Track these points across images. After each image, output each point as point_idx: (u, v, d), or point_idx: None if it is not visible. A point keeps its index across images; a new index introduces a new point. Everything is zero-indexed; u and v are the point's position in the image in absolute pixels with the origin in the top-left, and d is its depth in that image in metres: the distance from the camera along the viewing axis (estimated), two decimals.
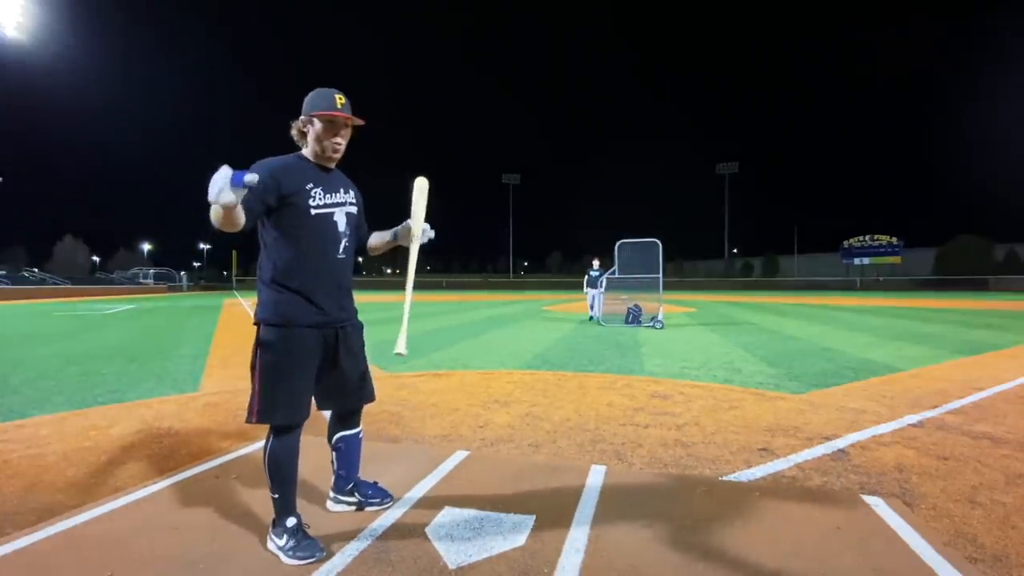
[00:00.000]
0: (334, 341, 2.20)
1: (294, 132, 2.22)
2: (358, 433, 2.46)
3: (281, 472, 2.11)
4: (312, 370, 2.15)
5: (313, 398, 2.23)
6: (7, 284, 40.64)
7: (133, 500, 2.60)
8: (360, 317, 2.41)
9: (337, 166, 2.31)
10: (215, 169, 1.65)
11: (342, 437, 2.42)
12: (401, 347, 2.21)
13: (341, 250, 2.21)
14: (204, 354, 7.93)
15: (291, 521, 2.10)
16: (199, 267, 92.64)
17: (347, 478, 2.46)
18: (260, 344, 2.09)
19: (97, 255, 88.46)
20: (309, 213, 2.10)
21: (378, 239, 2.47)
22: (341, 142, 2.18)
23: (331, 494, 2.49)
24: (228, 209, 1.72)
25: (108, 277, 63.40)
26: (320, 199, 2.13)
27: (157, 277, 66.29)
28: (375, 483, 2.55)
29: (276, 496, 2.12)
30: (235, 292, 49.81)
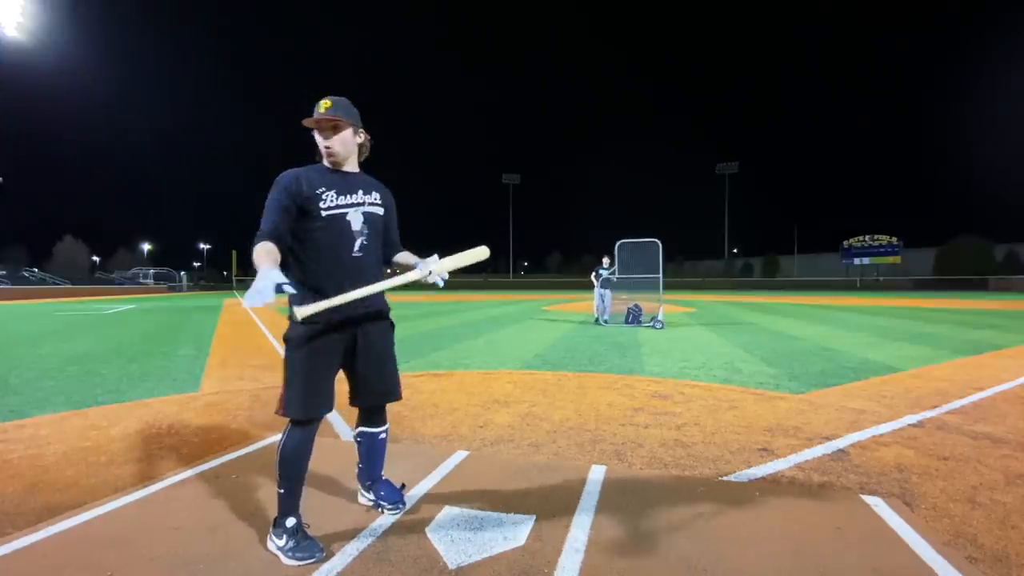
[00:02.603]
0: (354, 338, 2.25)
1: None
2: (379, 433, 2.48)
3: (291, 466, 2.13)
4: (331, 367, 2.22)
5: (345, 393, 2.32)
6: (7, 284, 40.65)
7: (133, 500, 2.60)
8: None
9: (366, 170, 2.42)
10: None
11: (362, 432, 2.49)
12: (299, 314, 2.01)
13: (357, 248, 2.22)
14: (204, 354, 7.93)
15: (291, 521, 2.12)
16: (199, 267, 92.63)
17: (367, 474, 2.51)
18: (285, 340, 2.20)
19: (97, 255, 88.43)
20: (321, 215, 2.16)
21: (404, 260, 2.46)
22: (328, 144, 2.23)
23: (359, 484, 2.58)
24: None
25: (108, 277, 63.40)
26: (332, 201, 2.19)
27: (157, 277, 66.29)
28: (393, 486, 2.52)
29: (281, 491, 2.14)
30: (235, 292, 49.80)
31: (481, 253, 2.34)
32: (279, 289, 1.84)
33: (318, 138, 2.25)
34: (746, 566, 2.01)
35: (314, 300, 2.07)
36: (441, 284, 2.26)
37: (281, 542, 2.08)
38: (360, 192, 2.28)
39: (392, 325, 2.46)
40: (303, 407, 2.13)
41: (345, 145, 2.26)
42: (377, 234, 2.33)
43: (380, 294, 2.33)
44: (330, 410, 2.21)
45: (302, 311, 2.00)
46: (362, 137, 2.34)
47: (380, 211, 2.34)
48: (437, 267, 2.22)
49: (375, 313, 2.33)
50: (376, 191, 2.35)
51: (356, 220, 2.24)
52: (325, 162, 2.29)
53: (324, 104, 2.20)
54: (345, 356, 2.26)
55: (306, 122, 2.22)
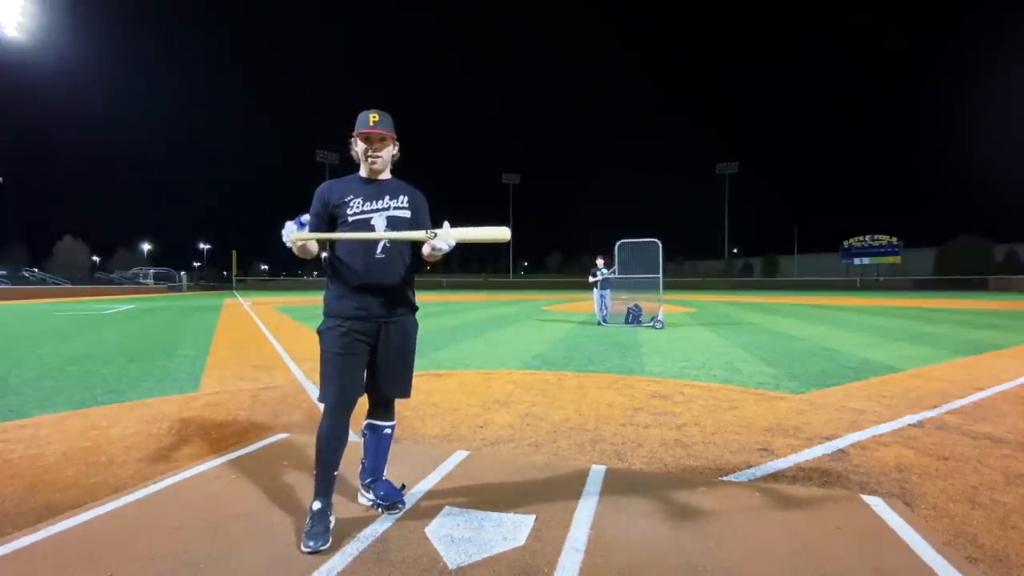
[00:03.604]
0: (375, 334, 2.36)
1: (352, 154, 2.46)
2: (385, 427, 2.55)
3: (320, 451, 2.28)
4: (357, 360, 2.34)
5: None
6: (7, 284, 40.64)
7: (133, 500, 2.60)
8: None
9: (397, 176, 2.54)
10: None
11: (369, 424, 2.55)
12: (298, 232, 2.17)
13: (379, 251, 2.34)
14: (204, 354, 7.93)
15: (316, 504, 2.23)
16: (199, 267, 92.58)
17: (370, 471, 2.54)
18: (317, 333, 2.38)
19: (97, 255, 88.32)
20: (348, 221, 2.34)
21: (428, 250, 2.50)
22: (376, 155, 2.39)
23: (359, 483, 2.61)
24: (303, 247, 2.20)
25: (108, 277, 63.34)
26: (359, 207, 2.35)
27: (157, 277, 66.21)
28: (393, 486, 2.53)
29: (315, 473, 2.29)
30: (235, 292, 49.83)
31: (501, 233, 2.33)
32: (299, 223, 2.16)
33: (361, 147, 2.38)
34: (746, 566, 2.01)
35: (338, 296, 2.33)
36: (445, 248, 2.26)
37: (305, 522, 2.21)
38: (387, 198, 2.41)
39: (416, 324, 2.53)
40: (329, 396, 2.30)
41: (387, 156, 2.43)
42: None
43: (404, 295, 2.44)
44: (354, 399, 2.35)
45: (293, 236, 2.17)
46: (396, 148, 2.47)
47: (406, 215, 2.43)
48: (443, 232, 2.24)
49: (397, 312, 2.41)
50: (404, 195, 2.45)
51: (380, 224, 2.37)
52: (362, 171, 2.44)
53: (373, 117, 2.35)
54: (370, 349, 2.38)
55: (358, 133, 2.36)
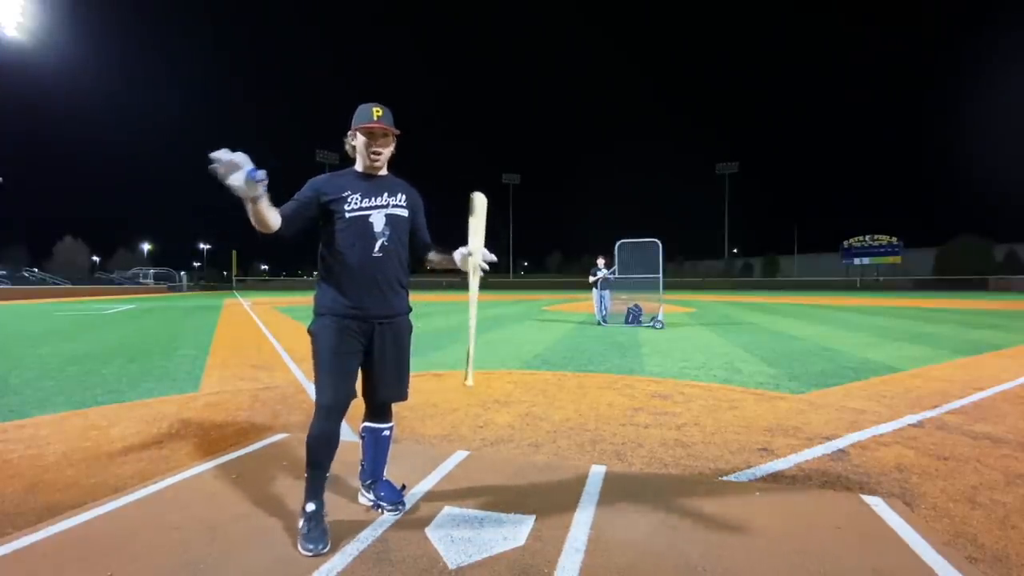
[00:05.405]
0: (370, 334, 2.31)
1: (347, 148, 2.41)
2: (384, 430, 2.53)
3: (312, 452, 2.22)
4: (349, 359, 2.27)
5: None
6: (7, 284, 40.64)
7: (133, 500, 2.60)
8: None
9: (395, 172, 2.50)
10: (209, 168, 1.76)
11: (367, 428, 2.53)
12: (470, 379, 2.24)
13: (377, 248, 2.30)
14: (204, 354, 7.93)
15: (310, 507, 2.20)
16: (199, 267, 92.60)
17: (369, 472, 2.53)
18: (308, 333, 2.31)
19: (97, 255, 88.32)
20: (345, 217, 2.28)
21: (438, 257, 2.48)
22: (379, 151, 2.34)
23: (359, 483, 2.60)
24: (254, 202, 1.93)
25: (108, 277, 63.35)
26: (356, 204, 2.29)
27: (157, 277, 66.26)
28: (393, 486, 2.53)
29: (306, 475, 2.24)
30: (235, 292, 49.83)
31: (480, 203, 2.30)
32: (252, 174, 1.85)
33: (362, 140, 2.32)
34: (746, 566, 2.01)
35: (332, 294, 2.26)
36: (487, 268, 2.31)
37: (299, 525, 2.18)
38: (385, 195, 2.36)
39: (410, 325, 2.50)
40: (322, 396, 2.23)
41: (388, 152, 2.38)
42: (399, 235, 2.38)
43: (400, 295, 2.41)
44: (347, 401, 2.27)
45: (244, 185, 1.87)
46: (394, 144, 2.43)
47: (404, 212, 2.40)
48: (477, 254, 2.24)
49: (393, 312, 2.38)
50: (403, 193, 2.42)
51: (378, 222, 2.32)
52: (359, 165, 2.39)
53: (376, 111, 2.29)
54: (363, 349, 2.33)
55: (360, 127, 2.30)
